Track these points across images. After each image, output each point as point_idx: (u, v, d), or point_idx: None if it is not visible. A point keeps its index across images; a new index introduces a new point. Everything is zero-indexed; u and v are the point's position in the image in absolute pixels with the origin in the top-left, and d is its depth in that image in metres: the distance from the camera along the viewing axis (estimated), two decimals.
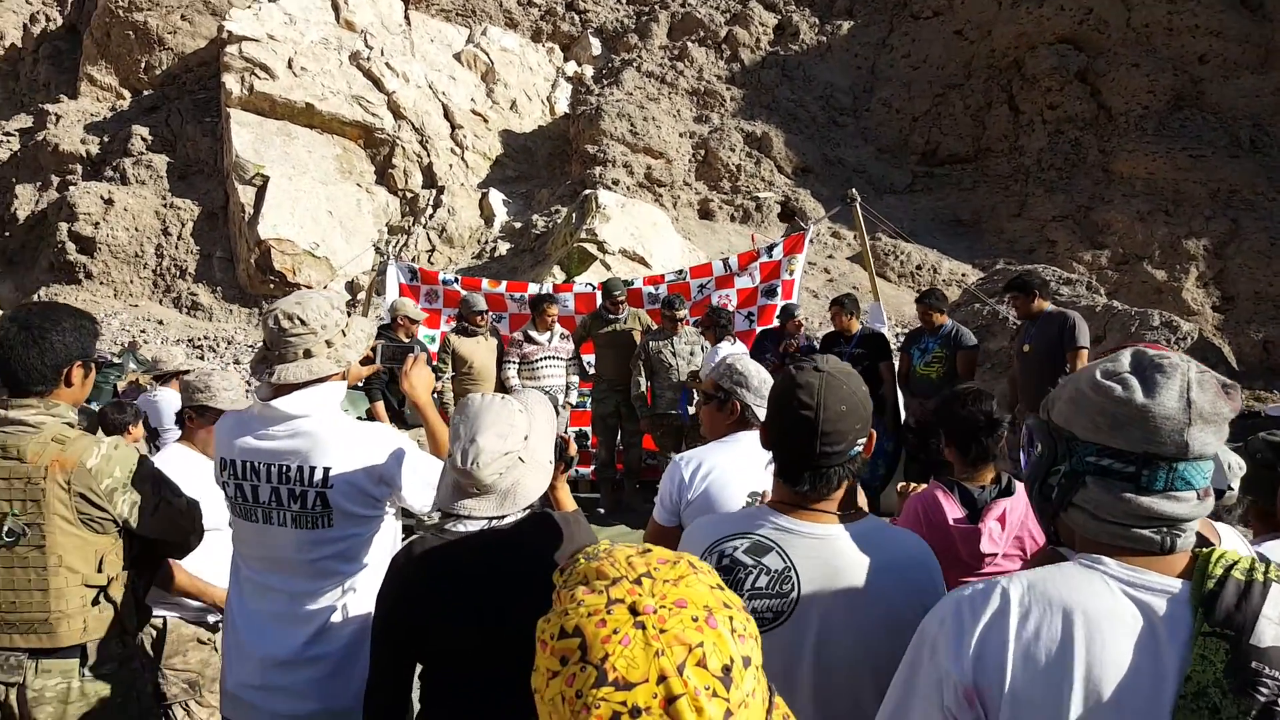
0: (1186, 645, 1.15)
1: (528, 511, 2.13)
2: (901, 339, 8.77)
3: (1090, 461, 1.28)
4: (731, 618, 0.92)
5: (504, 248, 16.48)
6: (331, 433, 2.29)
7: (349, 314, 2.43)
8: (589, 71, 21.03)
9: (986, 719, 1.24)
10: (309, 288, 14.96)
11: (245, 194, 15.56)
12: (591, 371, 7.82)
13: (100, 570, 2.31)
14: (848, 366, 1.88)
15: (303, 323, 2.28)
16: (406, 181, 17.26)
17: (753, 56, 20.66)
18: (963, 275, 15.78)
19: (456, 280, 8.71)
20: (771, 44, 20.98)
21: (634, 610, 0.89)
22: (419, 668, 2.09)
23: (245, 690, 2.37)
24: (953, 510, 2.77)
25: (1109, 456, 1.26)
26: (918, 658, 1.33)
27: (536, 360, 7.36)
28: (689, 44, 20.64)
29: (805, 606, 1.69)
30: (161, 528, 2.42)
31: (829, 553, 1.72)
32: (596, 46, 21.45)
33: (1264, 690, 1.08)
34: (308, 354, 2.29)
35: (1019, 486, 2.85)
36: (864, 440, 1.79)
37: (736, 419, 3.07)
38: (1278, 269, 14.83)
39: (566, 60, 21.50)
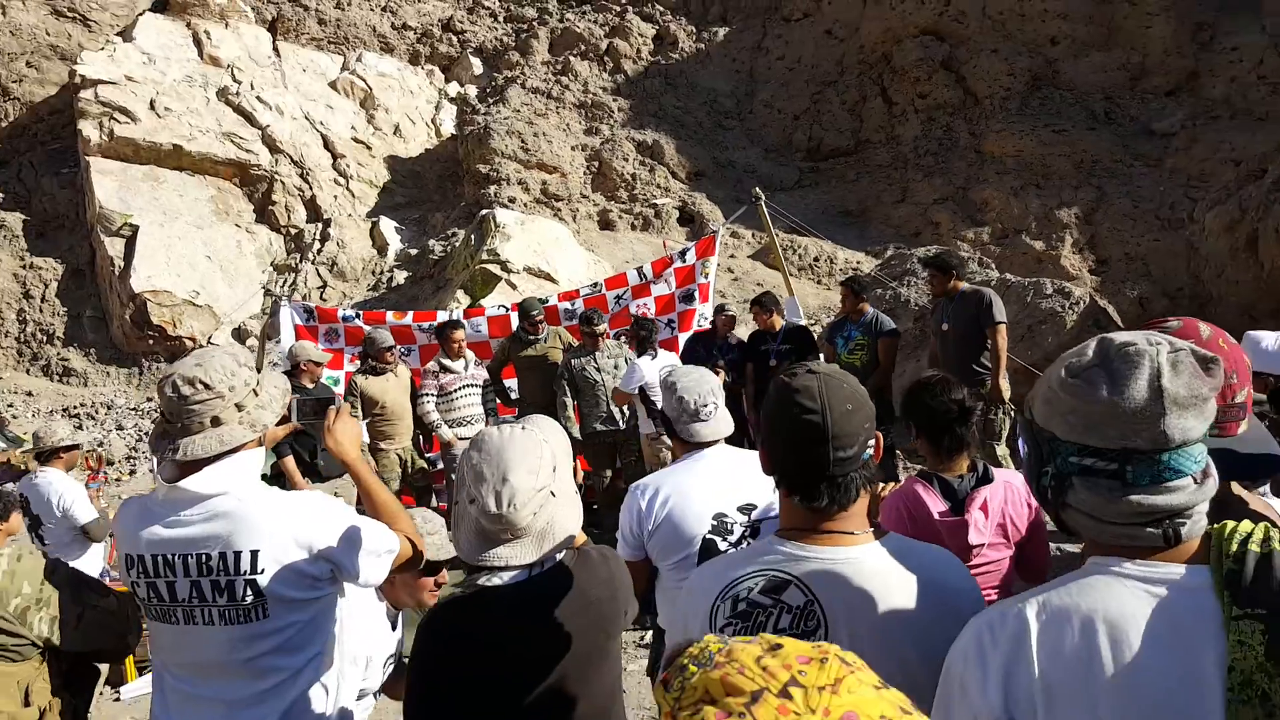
0: (1219, 634, 1.09)
1: (564, 552, 1.93)
2: (820, 330, 8.84)
3: (1073, 462, 1.20)
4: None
5: (401, 276, 16.00)
6: (255, 510, 2.01)
7: (258, 370, 2.16)
8: (473, 91, 20.67)
9: None
10: (192, 339, 14.23)
11: (114, 246, 14.65)
12: (515, 396, 7.58)
13: (28, 703, 1.98)
14: (836, 366, 1.75)
15: (206, 386, 1.98)
16: (289, 217, 16.58)
17: (635, 67, 20.72)
18: (857, 263, 16.09)
19: (358, 315, 8.34)
20: (652, 54, 21.10)
21: None
22: None
23: None
24: (935, 504, 2.69)
25: (1090, 455, 1.18)
26: (948, 696, 1.25)
27: (454, 390, 7.07)
28: (571, 58, 20.54)
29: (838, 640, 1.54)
30: (90, 638, 2.09)
31: (853, 579, 1.55)
32: (478, 66, 21.12)
33: None
34: (216, 422, 2.00)
35: (996, 473, 2.79)
36: (873, 441, 1.63)
37: (682, 442, 2.96)
38: (1142, 230, 15.69)
39: (448, 81, 21.08)
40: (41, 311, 14.97)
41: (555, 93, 19.79)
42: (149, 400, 13.87)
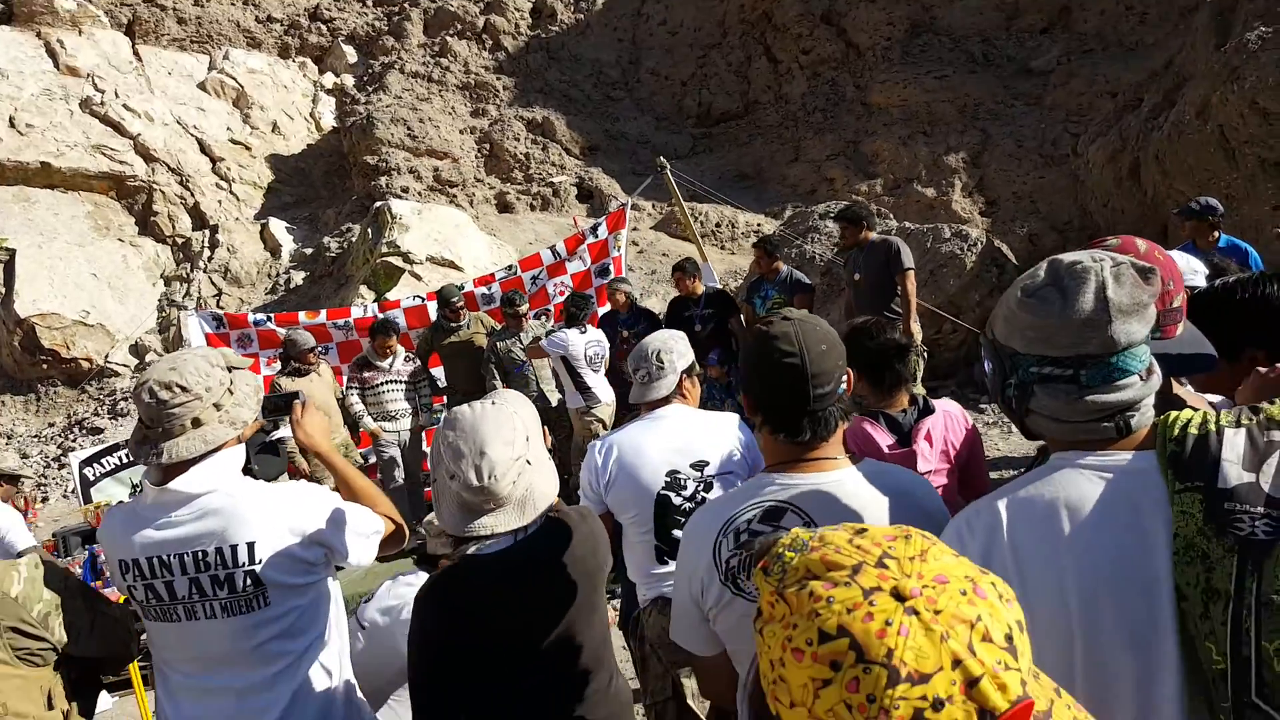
0: (1165, 506, 1.23)
1: (545, 516, 2.01)
2: (740, 291, 8.99)
3: (1034, 372, 1.34)
4: (994, 583, 0.85)
5: (299, 277, 15.57)
6: (246, 503, 2.05)
7: (231, 369, 2.17)
8: (350, 81, 20.09)
9: None
10: (88, 360, 13.65)
11: None
12: (442, 384, 7.55)
13: (51, 707, 1.98)
14: (806, 312, 1.89)
15: (184, 389, 2.00)
16: (174, 227, 15.91)
17: (516, 43, 20.46)
18: (759, 225, 16.36)
19: (269, 319, 8.15)
20: (531, 28, 20.85)
21: (898, 595, 0.80)
22: None
23: None
24: (884, 438, 2.84)
25: (1048, 365, 1.32)
26: None
27: (377, 385, 7.05)
28: (448, 38, 20.15)
29: None
30: (100, 644, 2.11)
31: (841, 498, 1.71)
32: (352, 54, 20.52)
33: (1240, 525, 1.16)
34: (196, 423, 2.03)
35: (936, 404, 2.95)
36: (846, 377, 1.79)
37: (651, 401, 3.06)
38: (1028, 168, 16.31)
39: (323, 73, 20.43)
40: None
41: (436, 75, 19.43)
42: (50, 425, 13.24)
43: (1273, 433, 1.22)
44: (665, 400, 3.03)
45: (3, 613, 1.93)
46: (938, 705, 0.76)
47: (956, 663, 0.77)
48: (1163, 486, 1.25)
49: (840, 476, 1.74)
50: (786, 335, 1.75)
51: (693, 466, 2.85)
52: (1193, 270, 3.12)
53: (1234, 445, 1.22)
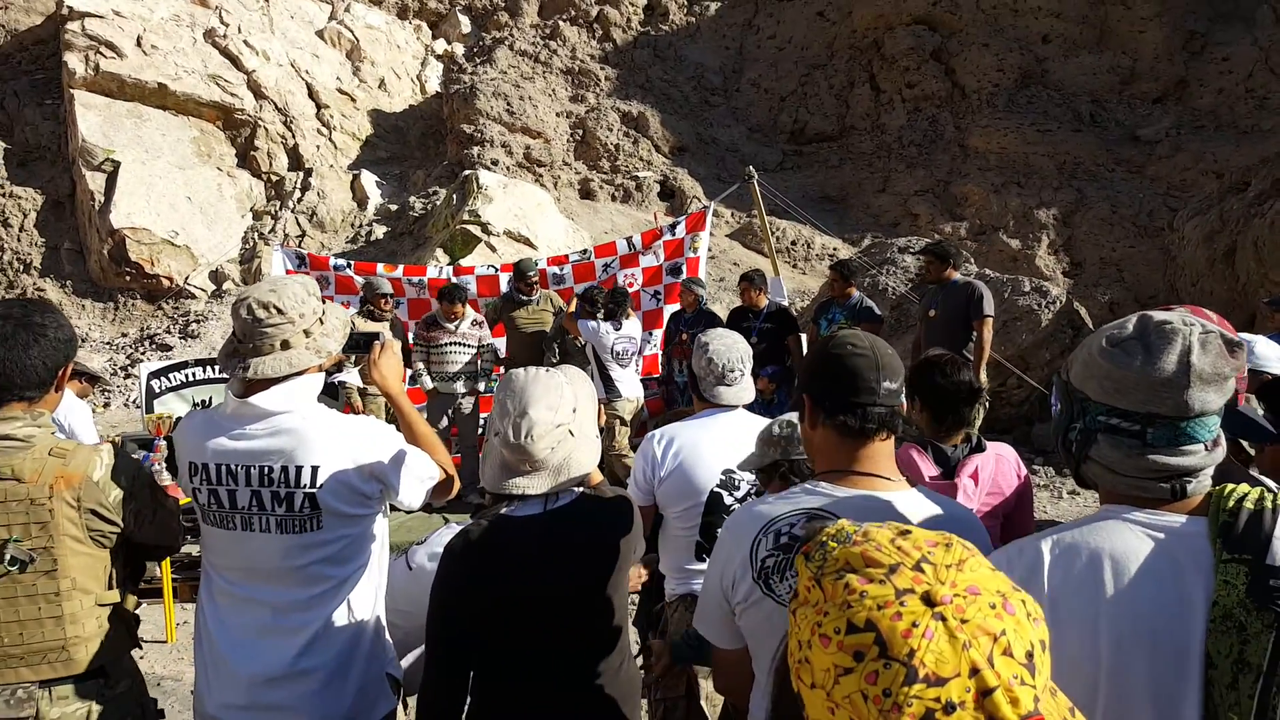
0: (1209, 574, 1.24)
1: (581, 490, 2.06)
2: (807, 312, 8.97)
3: (1101, 420, 1.35)
4: (1024, 601, 0.89)
5: (380, 231, 15.93)
6: (317, 428, 2.14)
7: (324, 300, 2.28)
8: (460, 50, 20.48)
9: None
10: (169, 279, 14.12)
11: (94, 181, 14.43)
12: (503, 355, 7.69)
13: (111, 587, 2.11)
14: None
15: (279, 311, 2.10)
16: (271, 164, 16.41)
17: (624, 36, 20.63)
18: (834, 250, 16.26)
19: (349, 265, 8.38)
20: (642, 24, 21.00)
21: (929, 600, 0.84)
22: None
23: (229, 712, 2.18)
24: (928, 468, 2.81)
25: (1117, 416, 1.33)
26: None
27: (443, 345, 7.21)
28: (560, 23, 20.41)
29: None
30: (158, 533, 2.23)
31: (886, 520, 1.71)
32: (466, 24, 20.91)
33: None
34: (285, 345, 2.12)
35: (989, 444, 2.94)
36: (904, 393, 1.83)
37: (703, 399, 3.08)
38: (1119, 235, 15.97)
39: (435, 38, 20.85)
40: (19, 241, 14.75)
41: (543, 57, 19.68)
42: (123, 335, 13.76)
43: None
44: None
45: (86, 495, 2.03)
46: (949, 709, 0.79)
47: (974, 671, 0.81)
48: (1209, 554, 1.25)
49: (892, 498, 1.74)
50: (855, 336, 1.81)
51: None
52: (1270, 360, 3.08)
53: None
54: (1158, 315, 1.36)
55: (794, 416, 2.54)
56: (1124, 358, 1.33)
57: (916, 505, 1.75)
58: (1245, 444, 2.10)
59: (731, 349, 3.02)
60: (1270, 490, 1.32)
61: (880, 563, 0.89)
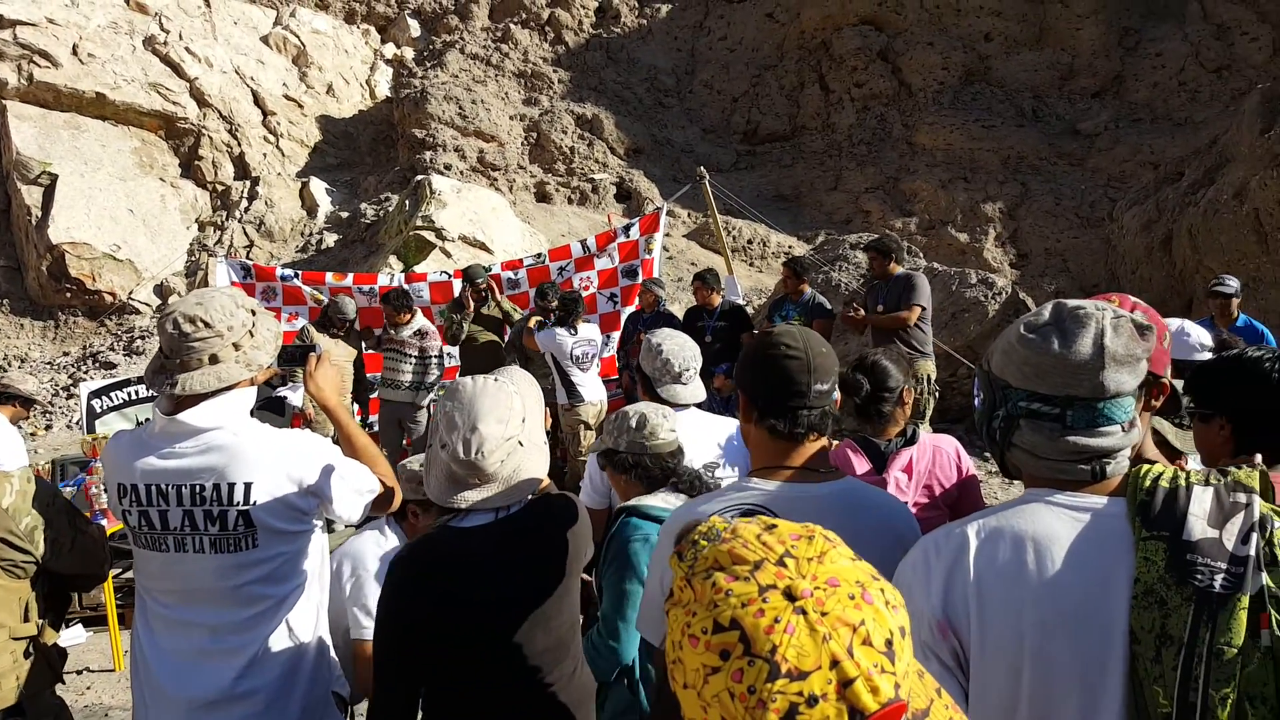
0: (1130, 552, 1.28)
1: (530, 497, 2.04)
2: (753, 310, 9.01)
3: (1022, 406, 1.39)
4: (883, 589, 0.90)
5: (331, 239, 15.72)
6: (249, 444, 2.09)
7: (254, 312, 2.22)
8: (409, 54, 20.29)
9: (961, 647, 1.35)
10: (112, 294, 13.81)
11: (31, 195, 14.06)
12: (455, 362, 7.62)
13: (27, 619, 2.04)
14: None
15: (207, 325, 2.06)
16: (216, 174, 16.12)
17: (576, 39, 20.61)
18: (789, 247, 16.39)
19: (296, 275, 8.24)
20: (594, 26, 20.99)
21: (790, 595, 0.86)
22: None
23: None
24: (861, 464, 2.90)
25: (1037, 400, 1.38)
26: None
27: (386, 351, 7.18)
28: (512, 26, 20.32)
29: None
30: (80, 561, 2.16)
31: (817, 512, 1.68)
32: (415, 28, 20.73)
33: (1200, 576, 1.22)
34: (214, 359, 2.07)
35: (922, 435, 2.98)
36: (836, 394, 1.86)
37: (657, 399, 3.08)
38: (1062, 226, 16.33)
39: (384, 43, 20.64)
40: None
41: (495, 60, 19.59)
42: (65, 354, 13.43)
43: (1238, 494, 1.27)
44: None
45: None
46: (812, 701, 0.81)
47: (835, 663, 0.82)
48: (1129, 533, 1.30)
49: (822, 490, 1.78)
50: (790, 333, 1.83)
51: (705, 468, 2.86)
52: (1200, 345, 3.15)
53: (1201, 501, 1.28)
54: (1071, 302, 1.41)
55: (648, 411, 2.58)
56: (1041, 343, 1.37)
57: (844, 497, 1.79)
58: (1172, 440, 2.15)
59: (683, 348, 3.06)
60: (1182, 468, 1.36)
61: (746, 559, 0.90)
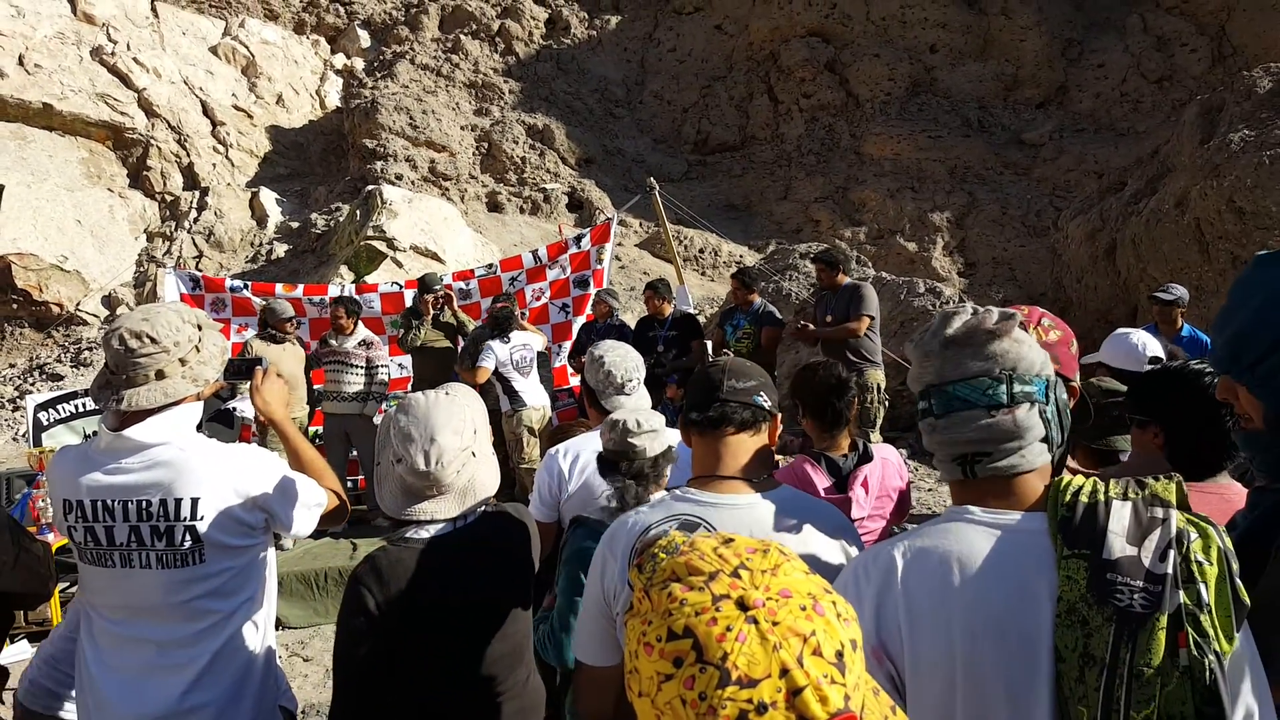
0: (1052, 570, 1.28)
1: (484, 508, 2.10)
2: (705, 319, 9.10)
3: (918, 409, 1.45)
4: (835, 602, 0.92)
5: (281, 249, 15.57)
6: (196, 459, 2.09)
7: (200, 327, 2.24)
8: (360, 64, 20.18)
9: (896, 671, 1.34)
10: (59, 305, 13.56)
11: None
12: (406, 373, 7.61)
13: None
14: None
15: (153, 340, 2.05)
16: (165, 184, 15.89)
17: (527, 50, 20.64)
18: (741, 256, 16.56)
19: (246, 286, 8.17)
20: (544, 37, 21.05)
21: (742, 605, 0.88)
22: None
23: None
24: (822, 481, 2.90)
25: (920, 400, 1.44)
26: None
27: (329, 363, 7.11)
28: (462, 37, 20.29)
29: None
30: (23, 579, 2.14)
31: (753, 521, 1.78)
32: (365, 39, 20.62)
33: (1120, 596, 1.22)
34: (160, 375, 2.07)
35: (875, 450, 3.06)
36: (768, 397, 1.93)
37: (603, 411, 3.11)
38: (1009, 235, 16.66)
39: (334, 53, 20.50)
40: None
41: (445, 70, 19.55)
42: (11, 366, 13.14)
43: (1155, 509, 1.27)
44: None
45: None
46: (761, 709, 0.82)
47: (784, 672, 0.83)
48: (1051, 549, 1.29)
49: (757, 500, 1.83)
50: (719, 360, 1.99)
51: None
52: (1148, 355, 3.27)
53: (1120, 518, 1.27)
54: (950, 306, 1.49)
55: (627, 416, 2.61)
56: (914, 340, 1.46)
57: (781, 505, 1.83)
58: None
59: (626, 358, 3.06)
60: (1104, 480, 1.36)
61: (701, 570, 0.93)
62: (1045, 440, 1.38)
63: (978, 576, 1.31)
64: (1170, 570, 1.21)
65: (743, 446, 1.89)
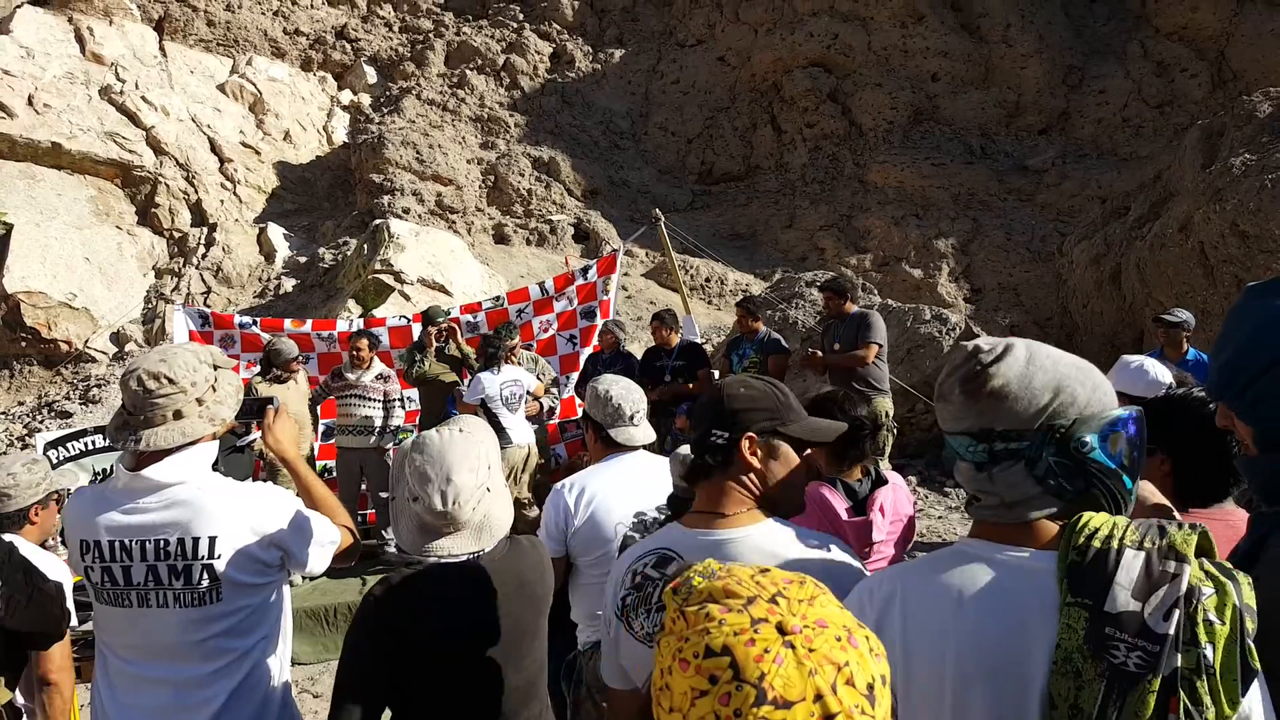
0: (1053, 614, 1.24)
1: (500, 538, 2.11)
2: (712, 349, 9.12)
3: None
4: (867, 637, 0.94)
5: (289, 284, 15.66)
6: (213, 498, 2.12)
7: (216, 366, 2.26)
8: (366, 100, 20.41)
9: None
10: (68, 343, 13.62)
11: None
12: (414, 405, 7.62)
13: None
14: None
15: (171, 381, 2.09)
16: (173, 221, 16.03)
17: (532, 84, 20.85)
18: (747, 285, 16.61)
19: (255, 323, 8.22)
20: (549, 71, 21.26)
21: (781, 629, 0.89)
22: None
23: None
24: (840, 503, 2.92)
25: None
26: None
27: (346, 396, 7.11)
28: (468, 72, 20.52)
29: None
30: (35, 619, 2.15)
31: (732, 555, 1.74)
32: (372, 75, 20.87)
33: (1116, 653, 1.18)
34: (178, 415, 2.10)
35: (888, 475, 3.06)
36: (723, 430, 1.84)
37: (609, 444, 3.12)
38: (1014, 261, 16.67)
39: (341, 89, 20.74)
40: None
41: (451, 105, 19.75)
42: (20, 404, 13.18)
43: (1169, 563, 1.21)
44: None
45: None
46: None
47: (818, 697, 0.85)
48: (1056, 592, 1.25)
49: (743, 534, 1.78)
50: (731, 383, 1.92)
51: (658, 509, 2.90)
52: (1159, 382, 3.26)
53: (1130, 569, 1.22)
54: (960, 347, 1.42)
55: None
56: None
57: (769, 539, 1.79)
58: None
59: (630, 391, 3.09)
60: (1128, 524, 1.31)
61: (739, 594, 0.94)
62: (1052, 491, 1.32)
63: (977, 612, 1.29)
64: (1172, 631, 1.16)
65: (715, 488, 1.85)
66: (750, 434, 1.80)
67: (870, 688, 0.89)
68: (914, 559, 1.55)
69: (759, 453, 1.81)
